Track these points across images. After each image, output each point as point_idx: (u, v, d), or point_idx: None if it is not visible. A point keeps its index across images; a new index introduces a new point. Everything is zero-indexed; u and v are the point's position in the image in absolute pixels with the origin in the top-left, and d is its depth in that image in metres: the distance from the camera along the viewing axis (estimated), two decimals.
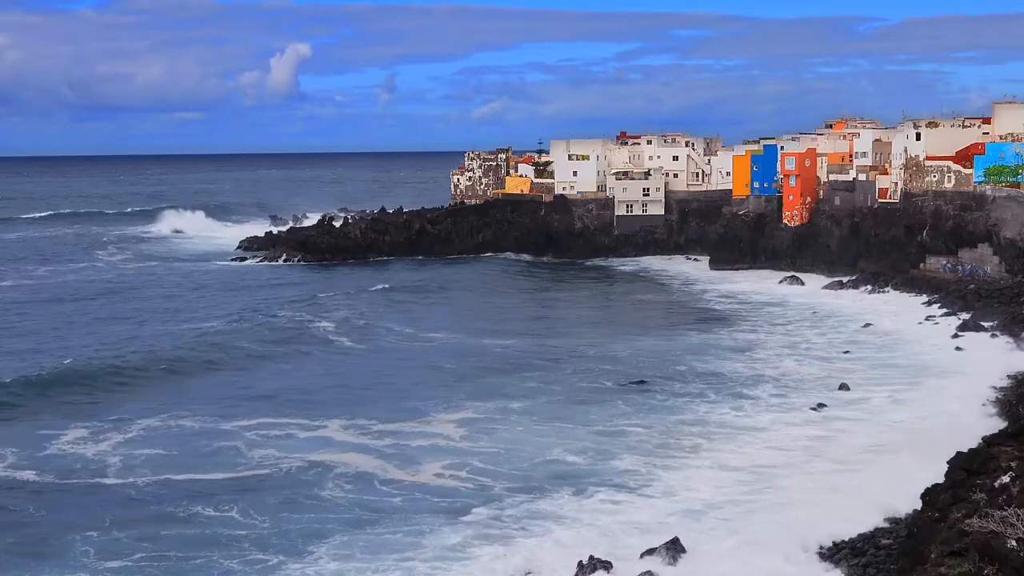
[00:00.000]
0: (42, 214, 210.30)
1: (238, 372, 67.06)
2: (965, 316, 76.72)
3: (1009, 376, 58.70)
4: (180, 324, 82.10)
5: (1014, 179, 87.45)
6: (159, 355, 69.62)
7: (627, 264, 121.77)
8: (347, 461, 47.82)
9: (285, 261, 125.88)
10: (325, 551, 38.01)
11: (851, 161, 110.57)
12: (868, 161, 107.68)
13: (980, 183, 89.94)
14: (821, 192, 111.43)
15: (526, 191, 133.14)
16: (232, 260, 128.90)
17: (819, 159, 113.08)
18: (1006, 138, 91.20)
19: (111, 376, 64.09)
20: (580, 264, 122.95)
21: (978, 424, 50.14)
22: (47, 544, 38.66)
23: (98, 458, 48.23)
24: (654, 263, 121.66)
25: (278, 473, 46.50)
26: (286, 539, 39.16)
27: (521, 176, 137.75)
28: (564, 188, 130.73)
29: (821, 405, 56.73)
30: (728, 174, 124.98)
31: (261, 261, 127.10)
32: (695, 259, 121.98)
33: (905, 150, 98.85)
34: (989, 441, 38.08)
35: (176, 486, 44.99)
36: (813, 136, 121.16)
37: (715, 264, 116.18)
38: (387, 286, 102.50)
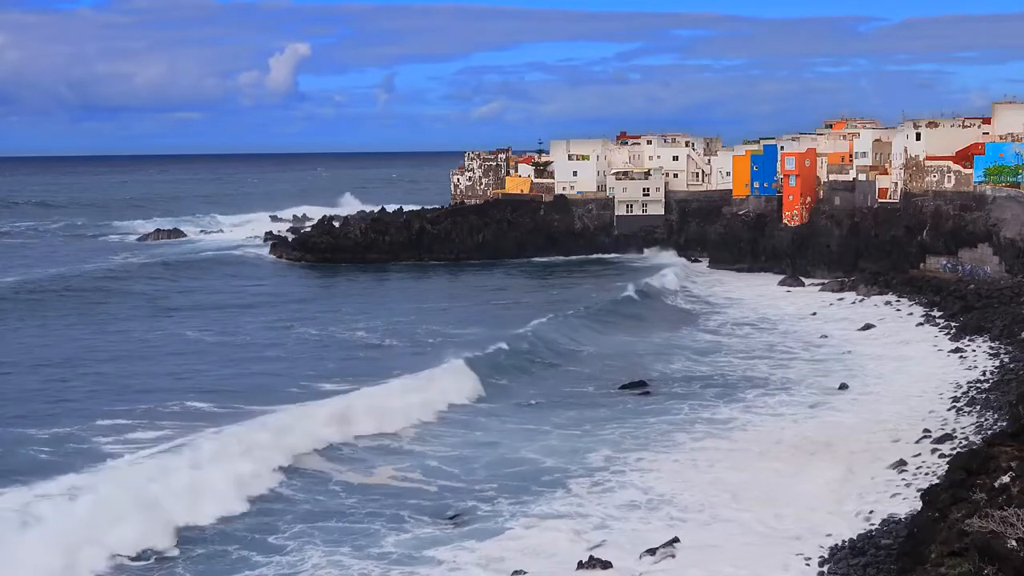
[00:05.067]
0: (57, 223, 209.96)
1: None
2: (965, 317, 76.68)
3: (1008, 376, 58.64)
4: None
5: (1014, 179, 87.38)
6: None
7: (626, 264, 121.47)
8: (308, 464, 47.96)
9: (283, 260, 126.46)
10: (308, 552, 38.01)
11: (851, 161, 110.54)
12: (868, 161, 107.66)
13: (980, 183, 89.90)
14: (821, 192, 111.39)
15: (526, 191, 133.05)
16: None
17: (819, 159, 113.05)
18: (1006, 138, 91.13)
19: None
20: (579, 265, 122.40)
21: (978, 424, 50.21)
22: None
23: None
24: (653, 264, 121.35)
25: None
26: None
27: (521, 176, 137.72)
28: (564, 188, 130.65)
29: (821, 404, 56.79)
30: (728, 174, 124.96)
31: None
32: (696, 259, 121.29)
33: (905, 150, 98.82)
34: (989, 441, 38.05)
35: None
36: (813, 136, 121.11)
37: (714, 264, 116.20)
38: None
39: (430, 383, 59.23)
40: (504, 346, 69.41)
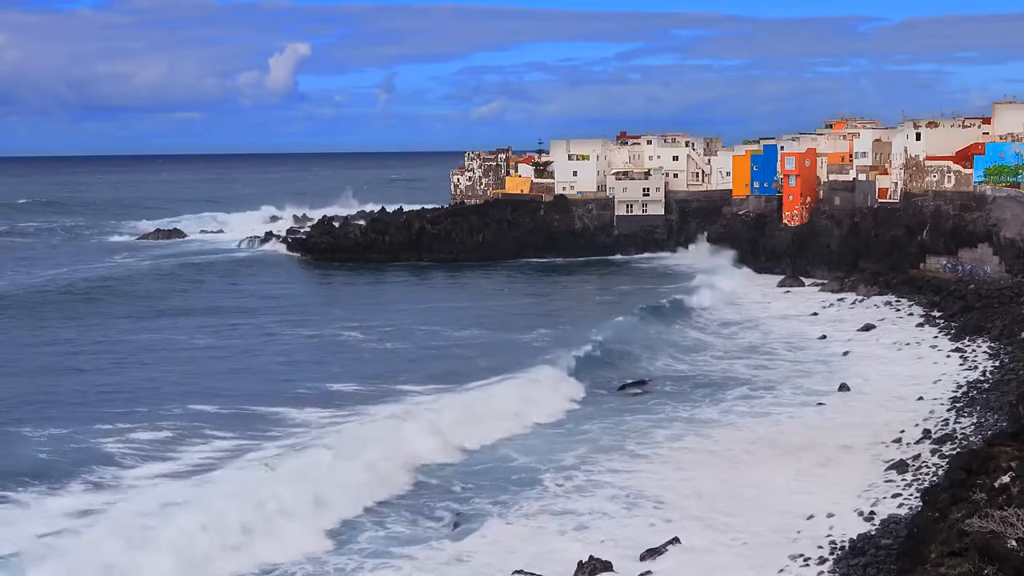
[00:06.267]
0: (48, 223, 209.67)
1: None
2: (965, 317, 76.66)
3: (1008, 376, 58.59)
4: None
5: (1014, 179, 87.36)
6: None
7: (632, 263, 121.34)
8: None
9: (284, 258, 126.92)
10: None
11: (851, 161, 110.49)
12: (868, 161, 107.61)
13: (980, 183, 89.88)
14: (821, 192, 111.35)
15: (526, 191, 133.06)
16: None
17: (819, 159, 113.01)
18: (1006, 138, 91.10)
19: None
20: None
21: (978, 424, 50.19)
22: None
23: None
24: (655, 262, 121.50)
25: None
26: None
27: (521, 176, 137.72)
28: (564, 188, 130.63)
29: (821, 405, 56.77)
30: (728, 174, 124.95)
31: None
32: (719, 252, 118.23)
33: (905, 150, 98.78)
34: (989, 441, 38.07)
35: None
36: (813, 136, 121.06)
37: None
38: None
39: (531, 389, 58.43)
40: (580, 352, 67.61)
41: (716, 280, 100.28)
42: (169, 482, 43.41)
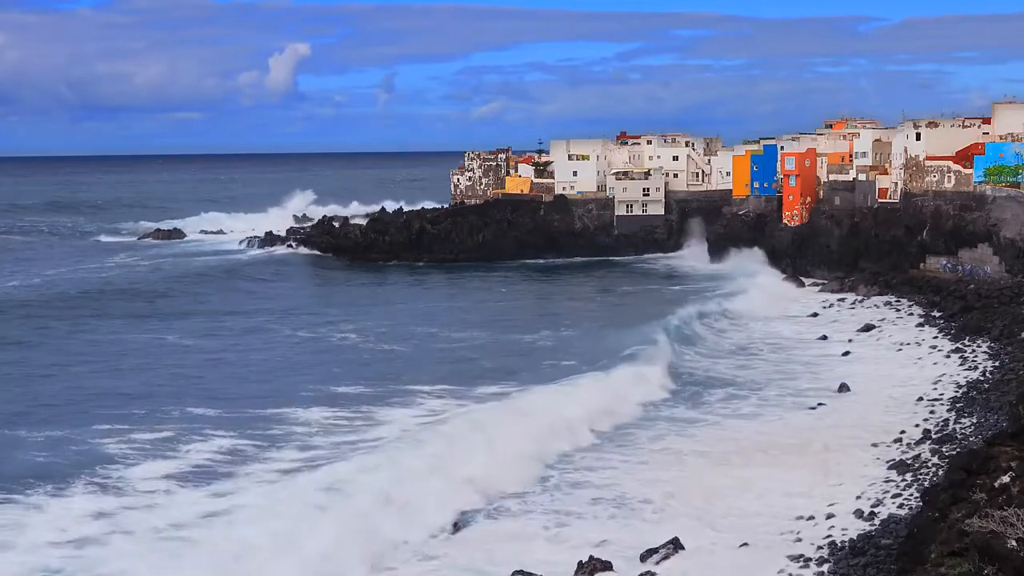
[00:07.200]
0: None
1: None
2: (965, 317, 76.64)
3: (1008, 376, 58.58)
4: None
5: (1014, 179, 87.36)
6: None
7: (633, 264, 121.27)
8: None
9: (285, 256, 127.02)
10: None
11: (851, 161, 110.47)
12: (868, 161, 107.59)
13: (980, 183, 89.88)
14: (821, 192, 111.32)
15: (526, 191, 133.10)
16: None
17: (819, 159, 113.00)
18: (1006, 138, 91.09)
19: None
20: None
21: (978, 424, 50.20)
22: None
23: None
24: (658, 262, 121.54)
25: None
26: None
27: (521, 176, 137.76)
28: (564, 188, 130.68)
29: (821, 405, 56.76)
30: (728, 174, 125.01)
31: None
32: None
33: (905, 150, 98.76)
34: (989, 441, 38.04)
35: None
36: (813, 136, 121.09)
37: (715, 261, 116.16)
38: None
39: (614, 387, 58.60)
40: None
41: (755, 283, 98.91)
42: (179, 487, 43.32)
